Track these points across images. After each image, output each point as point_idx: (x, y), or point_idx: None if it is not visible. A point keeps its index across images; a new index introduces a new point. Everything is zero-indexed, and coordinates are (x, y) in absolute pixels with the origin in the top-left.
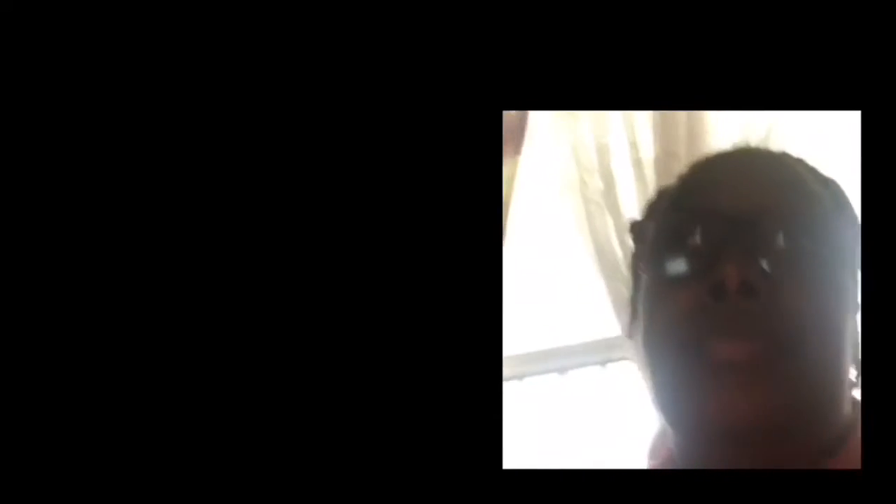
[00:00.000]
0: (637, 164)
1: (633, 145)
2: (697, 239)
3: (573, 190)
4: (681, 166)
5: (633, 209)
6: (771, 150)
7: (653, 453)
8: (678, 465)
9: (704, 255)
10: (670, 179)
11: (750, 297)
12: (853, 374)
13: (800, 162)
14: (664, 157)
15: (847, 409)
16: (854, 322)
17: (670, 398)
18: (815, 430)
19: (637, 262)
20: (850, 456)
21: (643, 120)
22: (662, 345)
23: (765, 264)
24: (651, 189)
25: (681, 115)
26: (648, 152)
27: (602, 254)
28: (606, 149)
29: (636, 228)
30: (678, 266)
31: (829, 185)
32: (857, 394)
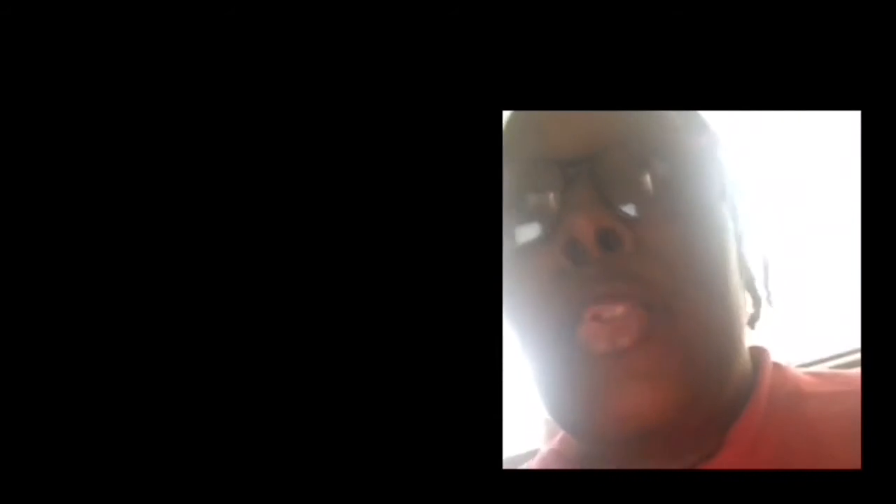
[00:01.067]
0: None
1: None
2: (533, 194)
3: None
4: None
5: None
6: None
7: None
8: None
9: (545, 213)
10: None
11: (612, 247)
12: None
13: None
14: None
15: (740, 362)
16: (741, 253)
17: (553, 393)
18: (710, 400)
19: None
20: (751, 421)
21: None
22: (529, 327)
23: (621, 206)
24: None
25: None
26: None
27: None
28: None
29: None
30: (524, 231)
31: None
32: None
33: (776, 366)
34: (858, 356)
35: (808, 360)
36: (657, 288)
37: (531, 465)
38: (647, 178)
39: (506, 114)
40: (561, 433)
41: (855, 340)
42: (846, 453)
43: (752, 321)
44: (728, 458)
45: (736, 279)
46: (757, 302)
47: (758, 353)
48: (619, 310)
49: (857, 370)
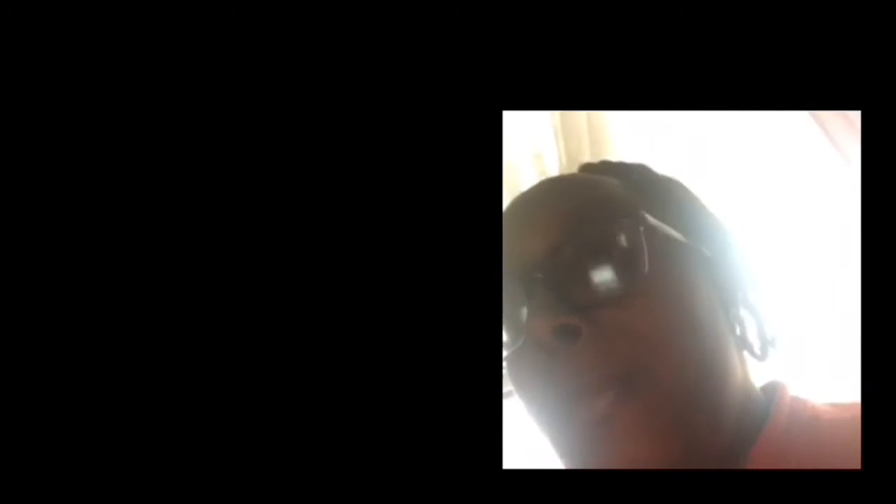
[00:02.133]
0: (542, 175)
1: (537, 157)
2: (511, 304)
3: None
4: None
5: None
6: (554, 179)
7: None
8: None
9: (520, 319)
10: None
11: (571, 340)
12: (752, 351)
13: (600, 165)
14: (570, 165)
15: (739, 397)
16: (724, 309)
17: (563, 460)
18: (703, 433)
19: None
20: (769, 444)
21: (545, 130)
22: (539, 421)
23: (576, 299)
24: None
25: (581, 118)
26: (553, 162)
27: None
28: (510, 166)
29: None
30: (508, 333)
31: (631, 173)
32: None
33: (795, 398)
34: None
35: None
36: (629, 363)
37: None
38: (595, 268)
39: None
40: None
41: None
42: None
43: (763, 356)
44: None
45: (709, 327)
46: (763, 339)
47: (773, 388)
48: (606, 398)
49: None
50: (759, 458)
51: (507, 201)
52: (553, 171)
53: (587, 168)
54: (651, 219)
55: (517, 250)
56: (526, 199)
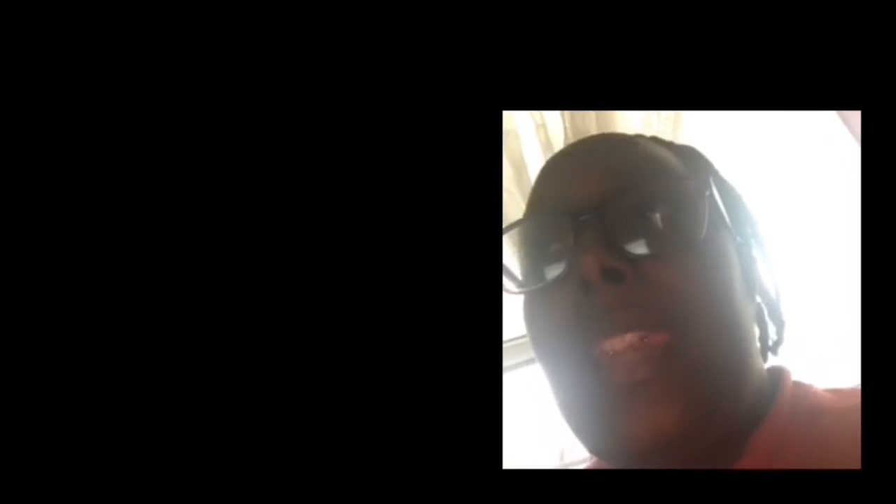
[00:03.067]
0: (547, 146)
1: (541, 127)
2: (554, 241)
3: None
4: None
5: None
6: (616, 135)
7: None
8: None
9: (563, 257)
10: None
11: (615, 282)
12: (767, 337)
13: (653, 138)
14: (574, 136)
15: (754, 377)
16: (750, 285)
17: (577, 419)
18: (727, 412)
19: (506, 279)
20: (771, 432)
21: None
22: (550, 359)
23: (625, 246)
24: None
25: None
26: (558, 133)
27: None
28: (514, 133)
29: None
30: (546, 273)
31: (686, 153)
32: (777, 360)
33: (797, 383)
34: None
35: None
36: (660, 314)
37: None
38: (649, 221)
39: (536, 169)
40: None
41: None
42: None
43: (776, 347)
44: (747, 467)
45: (741, 304)
46: (779, 328)
47: (778, 372)
48: (628, 338)
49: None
50: (760, 447)
51: (508, 172)
52: (557, 140)
53: (637, 136)
54: (714, 190)
55: (569, 191)
56: (582, 146)
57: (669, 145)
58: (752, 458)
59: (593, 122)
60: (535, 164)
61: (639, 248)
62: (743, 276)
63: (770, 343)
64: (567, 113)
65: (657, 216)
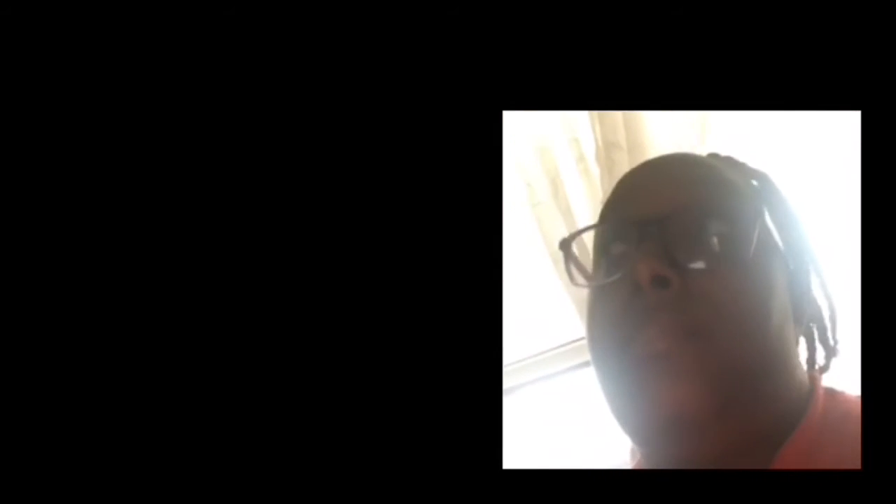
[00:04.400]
0: (580, 159)
1: (574, 141)
2: (618, 247)
3: (518, 196)
4: (623, 155)
5: (582, 206)
6: (690, 154)
7: (632, 454)
8: (644, 467)
9: (624, 260)
10: (614, 170)
11: (662, 287)
12: (814, 360)
13: (725, 160)
14: (606, 148)
15: (788, 391)
16: (792, 303)
17: (612, 399)
18: (748, 414)
19: (571, 274)
20: (802, 442)
21: (580, 114)
22: (599, 348)
23: (678, 257)
24: (597, 183)
25: None
26: (590, 146)
27: (558, 256)
28: (547, 150)
29: (564, 245)
30: (606, 274)
31: (754, 176)
32: (822, 376)
33: (828, 391)
34: None
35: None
36: (698, 320)
37: None
38: (705, 236)
39: (571, 182)
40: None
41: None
42: None
43: (821, 371)
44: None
45: (779, 322)
46: (828, 353)
47: (810, 380)
48: (666, 338)
49: None
50: (791, 455)
51: (547, 186)
52: (590, 153)
53: (711, 156)
54: (768, 219)
55: (638, 202)
56: (660, 162)
57: (742, 167)
58: (780, 467)
59: (622, 131)
60: (569, 177)
61: (690, 261)
62: (791, 299)
63: (816, 366)
64: (597, 124)
65: (712, 232)
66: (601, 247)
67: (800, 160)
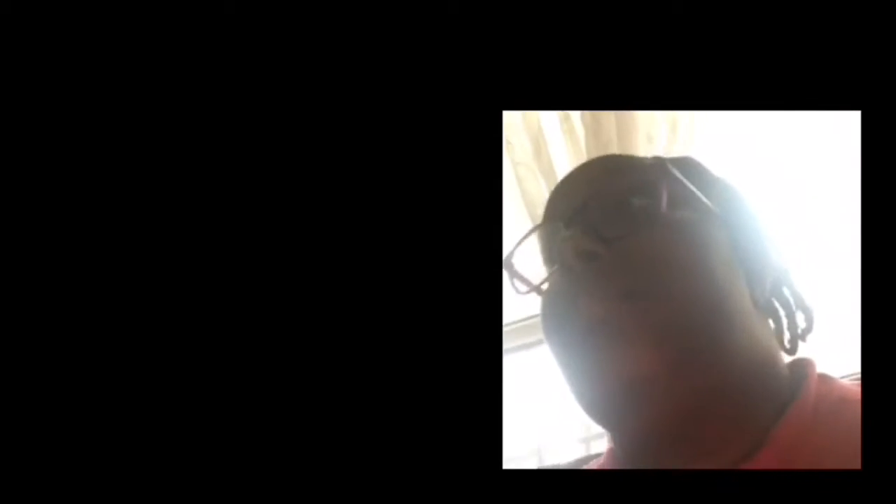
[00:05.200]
0: (565, 118)
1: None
2: (551, 245)
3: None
4: (611, 119)
5: (564, 168)
6: (612, 154)
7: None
8: (617, 455)
9: (556, 253)
10: (601, 134)
11: (591, 261)
12: (781, 336)
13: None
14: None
15: (754, 352)
16: (745, 269)
17: (570, 381)
18: (704, 367)
19: (515, 287)
20: (795, 423)
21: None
22: (549, 335)
23: (603, 232)
24: (581, 145)
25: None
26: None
27: (537, 218)
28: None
29: (506, 264)
30: (547, 273)
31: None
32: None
33: (823, 376)
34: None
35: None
36: (630, 281)
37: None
38: (625, 209)
39: (554, 144)
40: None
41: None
42: None
43: (790, 352)
44: (767, 457)
45: (727, 278)
46: (793, 335)
47: (804, 364)
48: (606, 304)
49: None
50: (782, 437)
51: (527, 147)
52: (575, 112)
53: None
54: (674, 170)
55: (565, 200)
56: (580, 167)
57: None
58: (774, 449)
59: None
60: (553, 136)
61: (614, 232)
62: (739, 262)
63: (785, 325)
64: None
65: (625, 204)
66: (544, 255)
67: (799, 160)
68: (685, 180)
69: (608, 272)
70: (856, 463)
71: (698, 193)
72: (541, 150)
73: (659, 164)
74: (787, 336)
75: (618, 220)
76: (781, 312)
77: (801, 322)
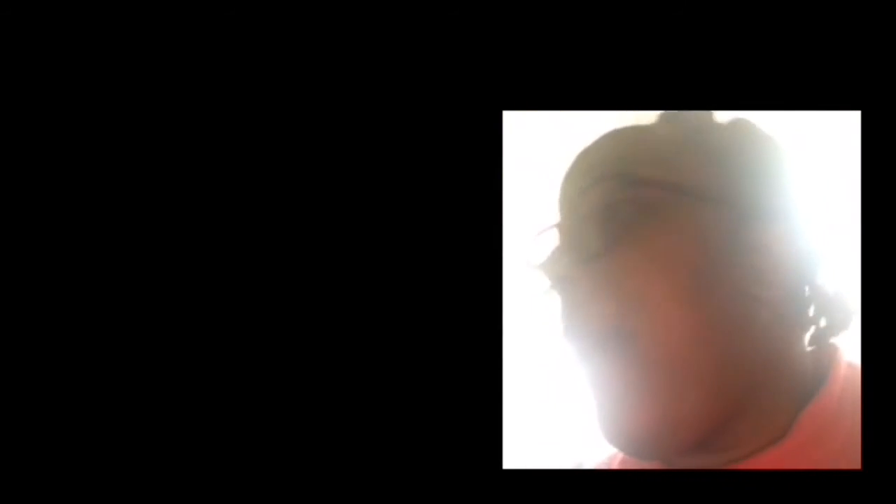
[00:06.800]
0: None
1: None
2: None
3: None
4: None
5: None
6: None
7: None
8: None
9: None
10: None
11: (572, 288)
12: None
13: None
14: None
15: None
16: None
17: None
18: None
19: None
20: (820, 409)
21: None
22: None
23: (576, 254)
24: None
25: None
26: None
27: None
28: None
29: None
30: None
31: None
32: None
33: (850, 364)
34: None
35: None
36: (613, 304)
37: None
38: (588, 226)
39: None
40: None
41: None
42: None
43: (829, 331)
44: (792, 445)
45: (727, 285)
46: (823, 330)
47: (831, 351)
48: (588, 330)
49: None
50: (807, 426)
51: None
52: None
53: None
54: (642, 173)
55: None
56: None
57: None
58: (799, 436)
59: None
60: None
61: (583, 254)
62: (728, 242)
63: (811, 318)
64: None
65: (588, 223)
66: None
67: (799, 160)
68: (659, 182)
69: (583, 299)
70: None
71: (687, 189)
72: None
73: (618, 167)
74: (811, 331)
75: (583, 241)
76: (811, 305)
77: (833, 318)
